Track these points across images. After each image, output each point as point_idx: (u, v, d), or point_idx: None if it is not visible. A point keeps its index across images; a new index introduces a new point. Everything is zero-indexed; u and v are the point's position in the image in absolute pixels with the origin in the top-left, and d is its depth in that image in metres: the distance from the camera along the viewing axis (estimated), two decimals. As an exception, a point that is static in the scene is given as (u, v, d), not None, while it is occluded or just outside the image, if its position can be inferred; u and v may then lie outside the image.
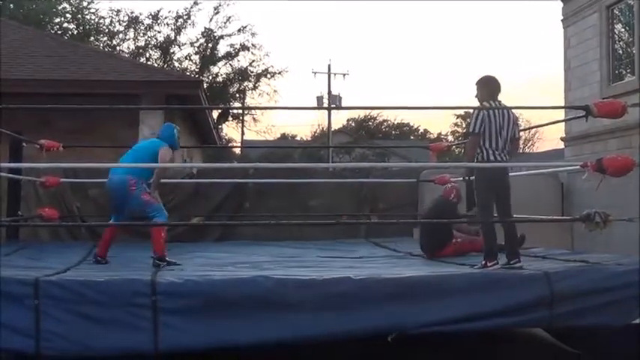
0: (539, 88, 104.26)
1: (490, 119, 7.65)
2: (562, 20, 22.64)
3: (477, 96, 8.05)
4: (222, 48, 46.65)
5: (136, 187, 8.56)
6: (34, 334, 5.78)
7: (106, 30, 44.25)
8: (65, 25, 41.78)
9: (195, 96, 16.49)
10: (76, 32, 40.98)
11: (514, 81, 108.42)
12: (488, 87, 7.99)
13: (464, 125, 70.48)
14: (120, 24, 44.78)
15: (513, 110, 8.00)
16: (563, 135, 22.71)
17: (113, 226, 9.00)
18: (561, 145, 24.43)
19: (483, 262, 7.67)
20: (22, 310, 5.83)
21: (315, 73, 55.10)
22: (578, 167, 7.73)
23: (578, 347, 7.18)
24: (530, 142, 69.29)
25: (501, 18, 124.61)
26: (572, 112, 8.63)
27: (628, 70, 19.76)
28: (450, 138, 70.45)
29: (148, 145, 9.09)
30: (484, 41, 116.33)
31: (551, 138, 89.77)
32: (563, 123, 20.87)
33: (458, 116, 73.23)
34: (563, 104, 20.95)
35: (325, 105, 52.43)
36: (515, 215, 9.20)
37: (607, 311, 6.62)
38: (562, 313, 6.55)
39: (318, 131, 66.20)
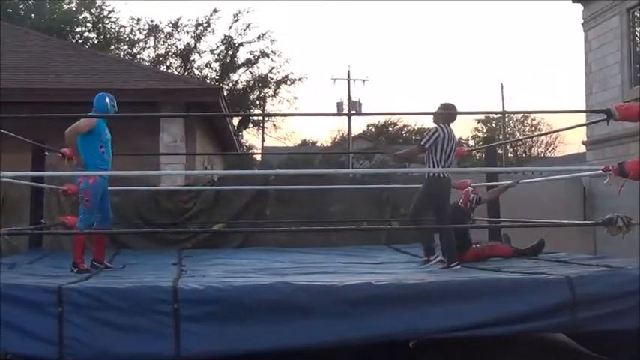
0: (560, 91, 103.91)
1: (441, 140, 8.58)
2: (582, 23, 22.55)
3: (434, 114, 8.96)
4: (242, 55, 46.96)
5: (83, 181, 8.62)
6: (57, 341, 5.82)
7: (127, 39, 44.62)
8: (86, 34, 42.12)
9: (216, 103, 16.52)
10: (96, 41, 41.28)
11: (535, 85, 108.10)
12: (448, 113, 8.88)
13: (485, 130, 70.33)
14: (140, 32, 45.20)
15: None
16: (585, 139, 22.61)
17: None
18: (583, 148, 24.34)
19: (446, 264, 8.49)
20: (46, 317, 5.87)
21: (334, 80, 55.22)
22: (599, 171, 7.70)
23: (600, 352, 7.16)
24: (552, 146, 69.03)
25: (522, 22, 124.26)
26: (594, 115, 8.61)
27: (650, 73, 19.65)
28: (471, 143, 70.27)
29: None
30: (504, 45, 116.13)
31: (572, 142, 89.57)
32: (585, 127, 20.78)
33: (478, 121, 73.07)
34: (584, 108, 20.87)
35: (345, 111, 52.40)
36: (536, 220, 9.20)
37: (630, 315, 6.56)
38: (585, 317, 6.51)
39: (338, 137, 66.23)
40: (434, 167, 8.67)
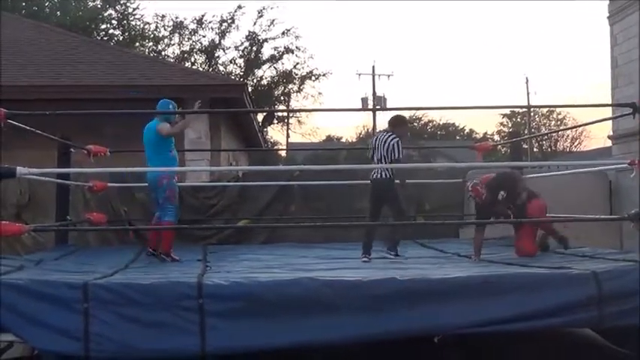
0: (587, 86, 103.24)
1: (372, 146, 9.89)
2: (608, 17, 22.39)
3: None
4: (267, 51, 47.01)
5: (167, 180, 9.32)
6: (83, 337, 5.84)
7: (151, 35, 44.71)
8: (111, 31, 42.32)
9: (240, 99, 16.54)
10: (121, 38, 41.45)
11: (560, 79, 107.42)
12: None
13: (510, 124, 70.02)
14: (165, 29, 45.36)
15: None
16: (611, 133, 22.47)
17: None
18: (609, 143, 24.19)
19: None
20: (71, 313, 5.89)
21: (359, 75, 55.30)
22: (625, 165, 7.64)
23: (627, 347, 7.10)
24: (578, 141, 68.66)
25: (547, 16, 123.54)
26: (620, 109, 8.55)
27: (677, 67, 19.48)
28: (496, 137, 70.07)
29: (148, 134, 9.47)
30: (529, 39, 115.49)
31: (598, 136, 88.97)
32: (611, 121, 20.65)
33: (504, 115, 72.78)
34: (610, 102, 20.74)
35: (370, 106, 52.41)
36: (562, 214, 9.15)
37: (657, 310, 6.51)
38: (611, 312, 6.45)
39: (363, 132, 66.18)
40: (377, 170, 9.75)
